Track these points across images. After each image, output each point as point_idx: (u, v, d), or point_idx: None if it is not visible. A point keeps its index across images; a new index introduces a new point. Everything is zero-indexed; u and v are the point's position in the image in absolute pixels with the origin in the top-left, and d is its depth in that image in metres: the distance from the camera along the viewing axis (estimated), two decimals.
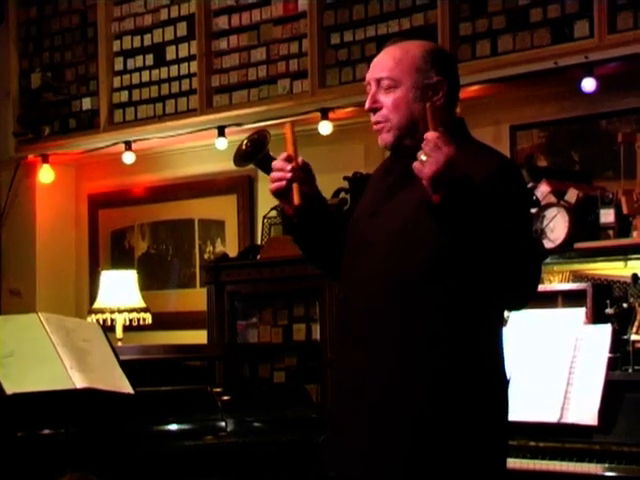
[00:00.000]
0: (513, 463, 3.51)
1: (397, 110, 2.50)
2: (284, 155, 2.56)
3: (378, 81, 2.53)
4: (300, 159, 2.56)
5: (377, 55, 2.59)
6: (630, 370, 3.66)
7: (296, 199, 2.52)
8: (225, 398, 3.74)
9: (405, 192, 2.50)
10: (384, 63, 2.53)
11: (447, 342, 2.42)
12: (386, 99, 2.51)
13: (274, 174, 2.55)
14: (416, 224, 2.44)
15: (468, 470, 2.43)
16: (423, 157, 2.28)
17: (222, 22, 5.51)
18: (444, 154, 2.26)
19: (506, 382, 2.54)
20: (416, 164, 2.29)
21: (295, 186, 2.52)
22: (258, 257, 5.24)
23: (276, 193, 2.57)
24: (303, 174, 2.56)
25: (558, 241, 4.08)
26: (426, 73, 2.51)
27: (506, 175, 2.45)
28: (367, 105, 2.54)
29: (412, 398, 2.42)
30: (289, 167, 2.53)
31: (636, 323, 3.70)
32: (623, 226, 4.05)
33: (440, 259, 2.42)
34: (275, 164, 2.56)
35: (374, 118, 2.54)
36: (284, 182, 2.53)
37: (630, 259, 4.06)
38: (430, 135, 2.29)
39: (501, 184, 2.40)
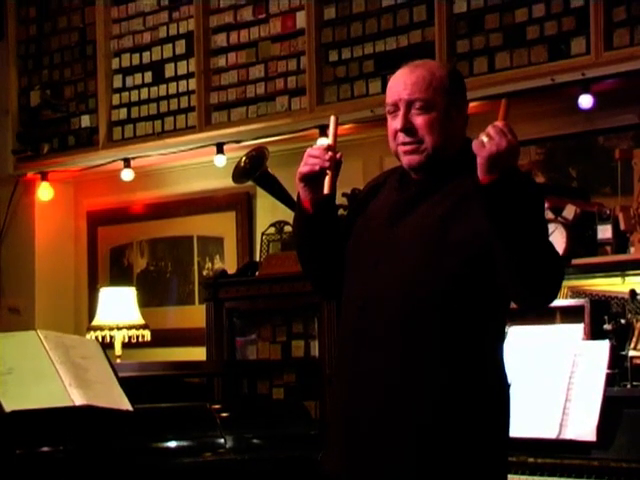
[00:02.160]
0: (512, 479, 3.51)
1: (432, 131, 2.54)
2: (325, 145, 2.60)
3: (409, 103, 2.56)
4: (339, 154, 2.60)
5: (396, 76, 2.61)
6: (628, 386, 3.66)
7: (327, 188, 2.57)
8: (224, 415, 3.74)
9: (426, 206, 2.56)
10: (415, 85, 2.56)
11: (460, 355, 2.48)
12: (419, 120, 2.55)
13: (309, 159, 2.59)
14: (438, 239, 2.50)
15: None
16: (485, 138, 2.36)
17: (220, 40, 5.53)
18: (508, 140, 2.35)
19: (508, 394, 2.58)
20: (476, 142, 2.37)
21: (330, 174, 2.57)
22: (257, 274, 5.24)
23: (305, 177, 2.60)
24: (337, 167, 2.60)
25: None
26: (454, 94, 2.57)
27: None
28: (400, 126, 2.56)
29: (422, 407, 2.47)
30: (328, 156, 2.57)
31: (634, 339, 3.70)
32: (621, 242, 4.06)
33: (460, 275, 2.48)
34: (312, 151, 2.60)
35: (405, 139, 2.57)
36: (318, 167, 2.57)
37: (628, 275, 4.06)
38: (498, 122, 2.37)
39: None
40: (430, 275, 2.49)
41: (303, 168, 2.60)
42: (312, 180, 2.59)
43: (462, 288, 2.48)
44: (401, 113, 2.56)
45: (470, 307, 2.49)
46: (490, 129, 2.36)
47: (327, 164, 2.56)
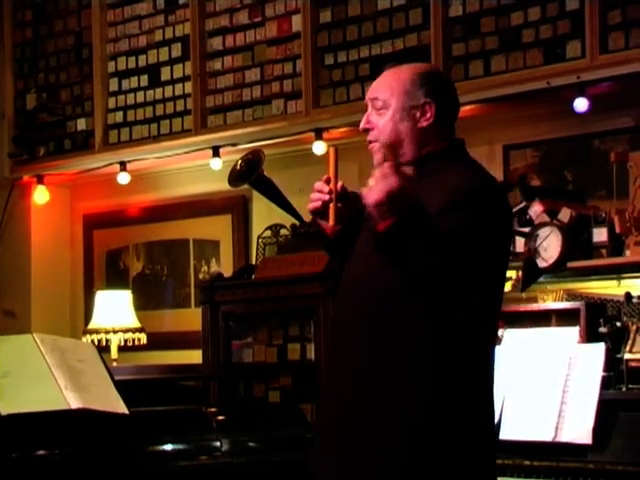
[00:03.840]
0: None
1: (385, 130, 2.61)
2: (324, 177, 2.65)
3: (372, 102, 2.64)
4: (340, 183, 2.65)
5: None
6: (624, 389, 3.66)
7: (331, 220, 2.63)
8: (220, 418, 3.74)
9: None
10: (378, 86, 2.65)
11: (428, 355, 2.46)
12: (377, 120, 2.62)
13: (313, 195, 2.66)
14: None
15: None
16: (371, 183, 2.35)
17: (216, 43, 5.53)
18: (388, 184, 2.33)
19: (492, 404, 2.57)
20: (363, 189, 2.38)
21: (332, 207, 2.62)
22: (253, 277, 5.24)
23: (313, 212, 2.68)
24: (341, 197, 2.65)
25: (551, 260, 4.09)
26: (413, 95, 2.60)
27: (469, 195, 2.47)
28: (361, 125, 2.65)
29: (401, 407, 2.46)
30: (327, 189, 2.63)
31: (629, 342, 3.71)
32: (616, 245, 4.07)
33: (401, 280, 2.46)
34: (315, 186, 2.66)
35: (368, 138, 2.65)
36: (320, 203, 2.64)
37: (623, 278, 4.08)
38: (385, 164, 2.36)
39: (460, 204, 2.44)
40: (385, 272, 2.47)
41: (309, 205, 2.68)
42: (322, 214, 2.66)
43: (402, 294, 2.45)
44: (367, 112, 2.64)
45: (439, 304, 2.44)
46: (376, 173, 2.36)
47: (327, 197, 2.62)
